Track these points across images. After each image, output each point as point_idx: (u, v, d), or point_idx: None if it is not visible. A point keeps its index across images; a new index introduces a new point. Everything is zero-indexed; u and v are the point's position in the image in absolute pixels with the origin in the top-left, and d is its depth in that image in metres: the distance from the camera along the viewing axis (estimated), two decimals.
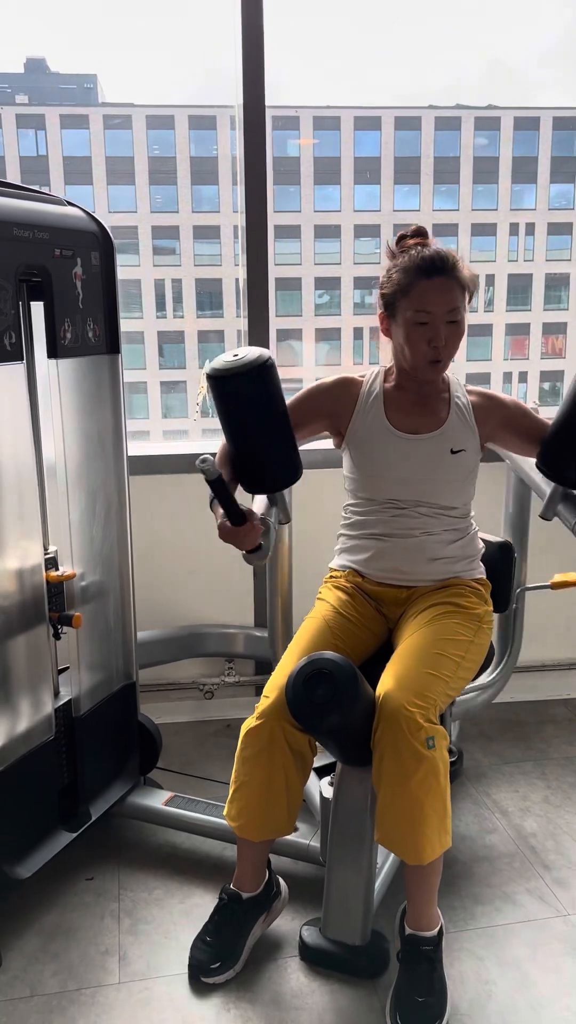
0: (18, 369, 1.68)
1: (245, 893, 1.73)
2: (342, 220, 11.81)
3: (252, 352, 1.64)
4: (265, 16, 2.37)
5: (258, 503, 1.81)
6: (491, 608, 1.88)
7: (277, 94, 2.54)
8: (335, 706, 1.52)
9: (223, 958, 1.68)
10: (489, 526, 2.12)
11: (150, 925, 1.83)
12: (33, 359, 1.79)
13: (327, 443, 1.93)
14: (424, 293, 1.68)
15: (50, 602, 1.82)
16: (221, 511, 1.61)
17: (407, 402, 1.83)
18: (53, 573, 1.84)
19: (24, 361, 1.70)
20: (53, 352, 1.78)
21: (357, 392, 1.86)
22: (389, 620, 1.86)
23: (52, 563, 1.86)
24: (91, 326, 1.88)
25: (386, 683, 1.60)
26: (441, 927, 1.65)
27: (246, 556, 1.69)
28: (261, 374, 1.62)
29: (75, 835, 1.93)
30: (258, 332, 2.55)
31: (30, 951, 1.76)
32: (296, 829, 1.77)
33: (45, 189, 1.90)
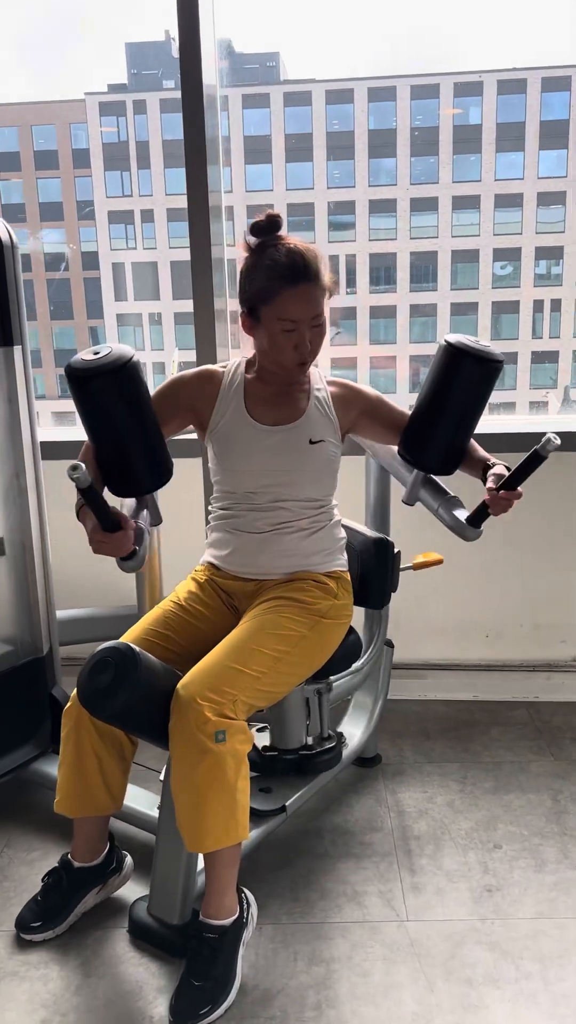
0: None
1: (76, 863, 1.82)
2: (524, 188, 11.29)
3: (116, 350, 1.63)
4: None
5: (127, 506, 1.75)
6: (346, 601, 1.86)
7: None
8: (114, 692, 1.57)
9: (45, 919, 1.79)
10: (352, 516, 2.09)
11: (11, 882, 1.96)
12: None
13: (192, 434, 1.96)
14: (288, 302, 1.68)
15: None
16: (92, 519, 1.54)
17: (268, 393, 1.83)
18: None
19: None
20: None
21: (219, 384, 1.87)
22: (240, 613, 1.88)
23: None
24: None
25: (187, 675, 1.63)
26: (238, 919, 1.66)
27: (120, 564, 1.62)
28: (124, 374, 1.60)
29: None
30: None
31: None
32: (119, 807, 1.82)
33: None
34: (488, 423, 2.09)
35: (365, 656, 2.11)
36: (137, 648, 1.62)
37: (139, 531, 1.63)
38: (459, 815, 2.16)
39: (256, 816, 1.95)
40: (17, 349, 2.10)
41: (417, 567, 2.11)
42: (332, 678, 1.99)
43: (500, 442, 2.13)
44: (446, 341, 1.75)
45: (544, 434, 1.56)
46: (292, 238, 1.76)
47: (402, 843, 2.06)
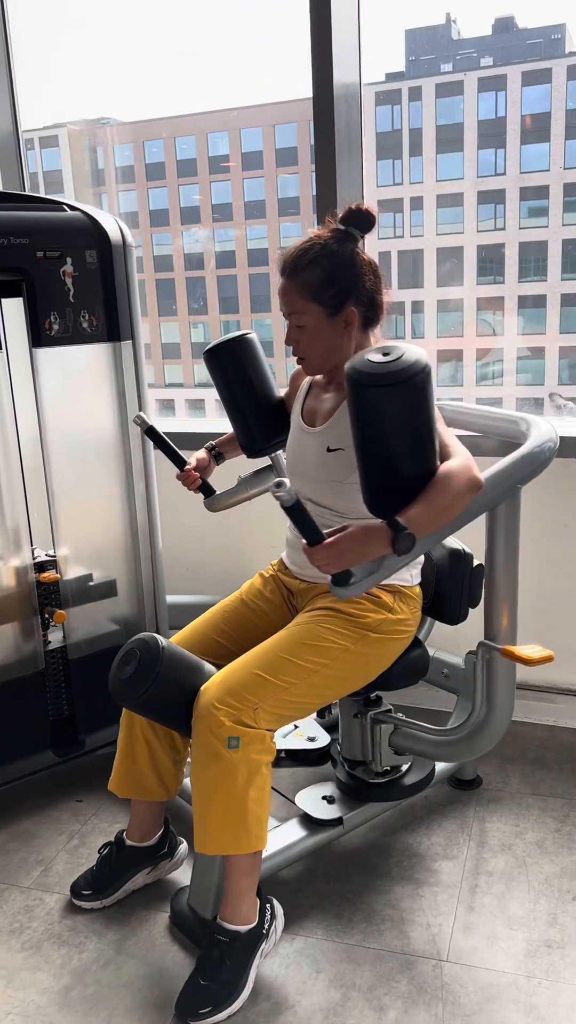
0: None
1: (128, 841, 1.89)
2: None
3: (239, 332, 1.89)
4: None
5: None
6: (405, 616, 1.75)
7: None
8: (137, 682, 1.60)
9: (95, 889, 1.87)
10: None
11: (87, 848, 2.07)
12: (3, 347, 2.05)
13: None
14: (278, 293, 1.67)
15: (40, 595, 2.16)
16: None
17: (319, 392, 1.80)
18: (44, 574, 2.15)
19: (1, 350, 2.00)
20: (36, 342, 2.05)
21: (300, 380, 1.87)
22: (297, 612, 1.84)
23: (41, 566, 2.16)
24: (86, 317, 2.11)
25: (214, 676, 1.63)
26: (255, 928, 1.64)
27: (204, 501, 2.03)
28: (236, 348, 1.89)
29: (62, 760, 2.24)
30: None
31: None
32: (171, 795, 1.85)
33: (60, 197, 2.17)
34: None
35: (457, 720, 1.91)
36: (164, 641, 1.64)
37: (201, 472, 1.99)
38: (545, 857, 1.96)
39: (313, 824, 1.91)
40: (127, 344, 2.18)
41: (518, 658, 1.72)
42: (395, 712, 1.90)
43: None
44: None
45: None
46: (316, 232, 1.67)
47: (471, 876, 1.92)
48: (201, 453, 2.02)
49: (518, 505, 1.75)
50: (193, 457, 2.00)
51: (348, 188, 2.44)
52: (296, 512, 1.45)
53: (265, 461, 2.08)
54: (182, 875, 1.94)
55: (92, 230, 2.10)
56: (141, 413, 2.00)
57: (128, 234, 2.18)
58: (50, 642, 2.21)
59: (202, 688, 1.60)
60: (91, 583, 2.26)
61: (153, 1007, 1.62)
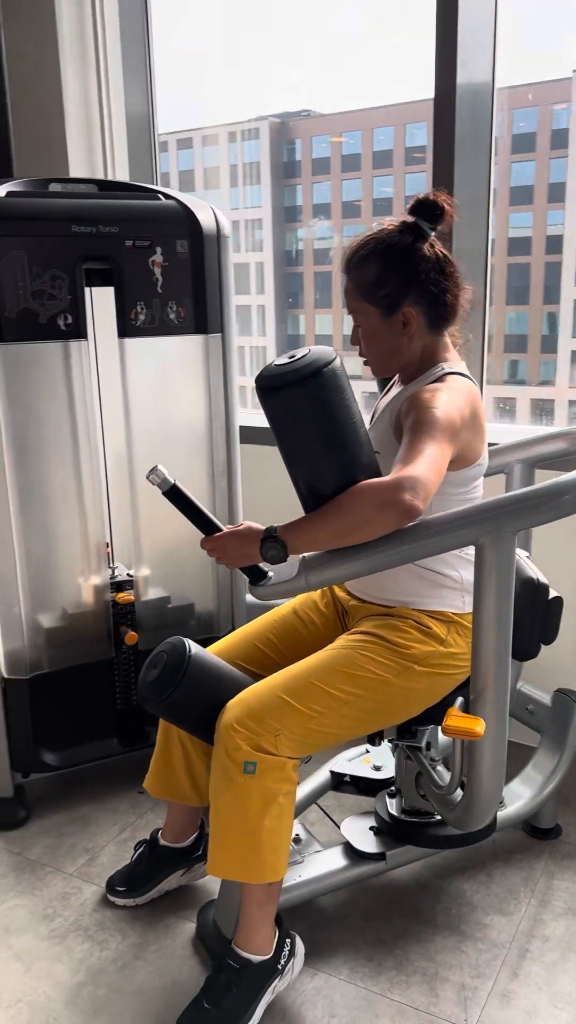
0: (76, 347, 1.99)
1: (162, 841, 1.85)
2: None
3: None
4: None
5: None
6: (461, 651, 1.60)
7: None
8: (159, 688, 1.55)
9: (128, 886, 1.85)
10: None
11: (135, 842, 2.06)
12: (92, 337, 2.04)
13: None
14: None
15: (115, 615, 2.18)
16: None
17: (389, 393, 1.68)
18: (121, 595, 2.17)
19: (86, 340, 2.00)
20: (123, 332, 2.04)
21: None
22: (345, 629, 1.73)
23: (119, 586, 2.17)
24: (174, 308, 2.08)
25: (239, 695, 1.55)
26: (268, 961, 1.55)
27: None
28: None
29: (126, 750, 2.24)
30: None
31: (52, 824, 2.15)
32: (206, 803, 1.79)
33: (155, 186, 2.14)
34: None
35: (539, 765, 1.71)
36: (194, 648, 1.58)
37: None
38: None
39: (355, 856, 1.80)
40: (215, 337, 2.14)
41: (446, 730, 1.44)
42: (437, 756, 1.74)
43: None
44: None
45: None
46: (385, 224, 1.54)
47: (523, 938, 1.74)
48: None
49: None
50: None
51: (469, 190, 2.28)
52: (175, 498, 1.41)
53: None
54: (218, 883, 1.88)
55: (184, 219, 2.06)
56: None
57: (225, 224, 2.13)
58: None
59: (227, 704, 1.53)
60: (168, 606, 2.25)
61: (156, 1021, 1.57)
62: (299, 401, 1.37)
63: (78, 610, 2.13)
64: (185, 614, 2.28)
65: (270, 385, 1.37)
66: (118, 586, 2.18)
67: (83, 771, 2.27)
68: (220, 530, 1.49)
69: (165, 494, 1.48)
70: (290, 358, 1.39)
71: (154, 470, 1.47)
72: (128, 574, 2.22)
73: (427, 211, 1.50)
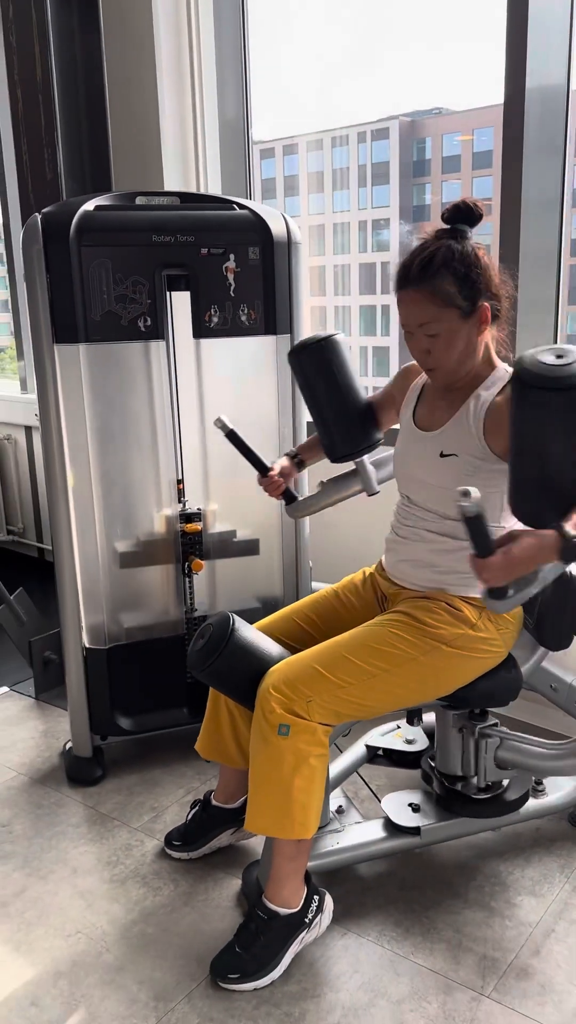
0: (155, 347, 2.18)
1: (214, 802, 2.01)
2: None
3: (325, 331, 1.86)
4: None
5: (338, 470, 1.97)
6: (490, 635, 1.68)
7: None
8: (205, 656, 1.70)
9: (184, 840, 2.02)
10: None
11: None
12: (172, 338, 2.21)
13: None
14: (399, 305, 1.63)
15: (184, 545, 2.32)
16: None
17: (434, 394, 1.76)
18: (188, 525, 2.31)
19: (164, 340, 2.18)
20: (198, 333, 2.22)
21: (411, 382, 1.85)
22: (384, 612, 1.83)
23: (188, 517, 2.32)
24: (245, 311, 2.23)
25: (278, 663, 1.68)
26: (296, 915, 1.68)
27: (286, 508, 2.00)
28: (320, 350, 1.82)
29: (195, 721, 2.40)
30: None
31: (124, 783, 2.34)
32: None
33: (233, 198, 2.30)
34: None
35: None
36: (238, 622, 1.72)
37: (285, 479, 1.95)
38: None
39: (391, 829, 1.90)
40: (284, 338, 2.28)
41: None
42: (499, 726, 1.83)
43: None
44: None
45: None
46: (426, 235, 1.62)
47: (551, 919, 1.80)
48: (284, 460, 1.97)
49: None
50: (276, 464, 1.95)
51: (538, 191, 2.32)
52: (475, 522, 1.37)
53: (348, 465, 1.97)
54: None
55: (257, 227, 2.21)
56: (222, 416, 1.90)
57: (295, 231, 2.26)
58: (195, 610, 2.39)
59: (267, 672, 1.67)
60: (235, 539, 2.39)
61: (195, 960, 1.73)
62: None
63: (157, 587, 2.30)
64: (250, 547, 2.41)
65: (564, 386, 1.38)
66: (187, 518, 2.31)
67: (156, 737, 2.46)
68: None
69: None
70: (557, 357, 1.42)
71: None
72: (198, 508, 2.35)
73: (465, 215, 1.59)
